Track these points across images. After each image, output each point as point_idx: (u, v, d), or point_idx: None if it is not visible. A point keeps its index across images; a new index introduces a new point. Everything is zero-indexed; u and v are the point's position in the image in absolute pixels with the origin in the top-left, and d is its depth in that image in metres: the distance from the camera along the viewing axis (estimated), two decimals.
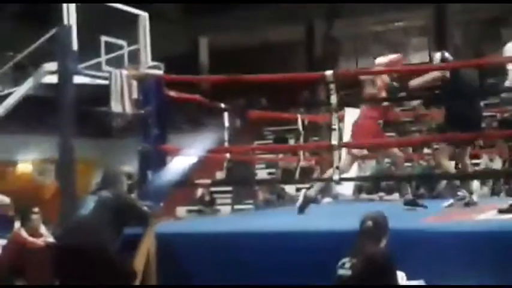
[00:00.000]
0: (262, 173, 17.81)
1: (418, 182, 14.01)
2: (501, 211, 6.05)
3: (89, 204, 5.09)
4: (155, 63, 6.87)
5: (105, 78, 6.71)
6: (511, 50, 6.16)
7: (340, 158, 5.65)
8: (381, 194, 12.80)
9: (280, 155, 14.55)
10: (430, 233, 4.69)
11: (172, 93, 6.79)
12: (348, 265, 4.15)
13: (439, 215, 5.93)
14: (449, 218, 5.75)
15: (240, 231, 5.67)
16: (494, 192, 12.25)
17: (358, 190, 11.81)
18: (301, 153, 9.59)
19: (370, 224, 4.24)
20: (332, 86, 5.74)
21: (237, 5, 21.88)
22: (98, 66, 7.83)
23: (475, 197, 6.57)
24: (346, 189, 10.08)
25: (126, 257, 5.10)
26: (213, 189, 16.01)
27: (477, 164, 13.47)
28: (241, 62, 23.31)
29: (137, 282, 5.08)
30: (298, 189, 15.74)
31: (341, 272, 4.15)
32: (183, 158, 6.90)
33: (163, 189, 6.23)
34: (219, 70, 17.69)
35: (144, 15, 8.24)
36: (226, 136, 8.17)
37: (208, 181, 7.98)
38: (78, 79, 7.27)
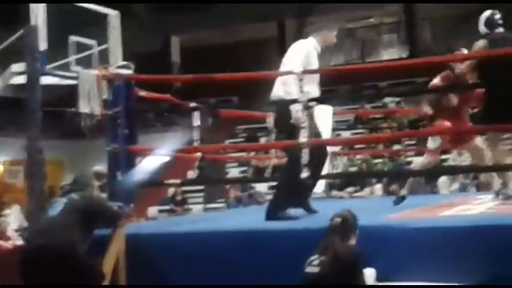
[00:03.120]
0: (234, 172, 17.83)
1: (390, 179, 14.14)
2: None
3: (58, 206, 5.08)
4: (125, 62, 6.83)
5: (74, 79, 6.66)
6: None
7: (310, 156, 5.66)
8: (350, 190, 12.92)
9: (252, 154, 14.59)
10: (397, 229, 4.73)
11: (142, 93, 6.77)
12: (316, 262, 4.17)
13: (407, 212, 5.97)
14: (415, 215, 5.80)
15: (211, 231, 5.67)
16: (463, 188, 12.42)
17: (329, 187, 11.88)
18: (272, 151, 9.60)
19: (338, 221, 4.27)
20: (302, 83, 5.76)
21: (209, 4, 21.85)
22: (67, 66, 7.76)
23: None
24: (317, 186, 10.10)
25: (95, 258, 5.08)
26: (184, 188, 15.99)
27: (445, 160, 13.62)
28: (214, 60, 23.31)
29: (106, 283, 5.06)
30: (270, 188, 15.82)
31: (309, 269, 4.17)
32: (154, 158, 6.89)
33: (133, 190, 6.21)
34: (191, 69, 17.69)
35: (114, 15, 8.17)
36: (197, 135, 8.16)
37: (179, 181, 7.94)
38: (46, 79, 7.21)
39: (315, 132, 6.09)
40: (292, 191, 5.97)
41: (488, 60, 5.93)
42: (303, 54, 6.07)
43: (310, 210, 6.24)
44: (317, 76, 6.24)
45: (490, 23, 6.22)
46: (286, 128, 5.92)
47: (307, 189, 6.36)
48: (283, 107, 5.89)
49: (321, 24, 6.47)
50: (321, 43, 6.28)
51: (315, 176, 6.14)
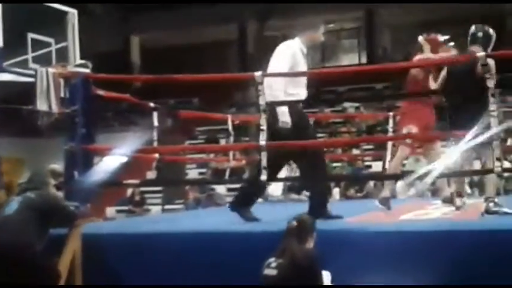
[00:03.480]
0: (193, 173, 17.78)
1: (348, 182, 14.27)
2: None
3: (13, 205, 5.01)
4: (83, 61, 6.77)
5: (32, 76, 6.58)
6: None
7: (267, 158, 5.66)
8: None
9: (212, 155, 14.57)
10: (353, 233, 4.77)
11: (100, 92, 6.72)
12: (273, 265, 4.19)
13: (362, 216, 6.02)
14: (372, 219, 5.85)
15: (169, 232, 5.64)
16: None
17: (288, 190, 11.90)
18: (231, 153, 9.61)
19: (295, 224, 4.29)
20: (261, 86, 5.76)
21: (170, 4, 21.77)
22: (24, 64, 7.66)
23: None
24: (276, 189, 10.16)
25: (51, 258, 5.02)
26: (143, 189, 15.90)
27: (403, 165, 13.77)
28: (174, 61, 23.23)
29: (61, 283, 5.00)
30: (229, 189, 15.82)
31: (267, 271, 4.19)
32: (112, 158, 6.83)
33: (90, 189, 6.16)
34: (151, 69, 17.61)
35: (73, 13, 8.10)
36: (156, 136, 8.13)
37: (137, 181, 7.90)
38: (3, 76, 7.11)
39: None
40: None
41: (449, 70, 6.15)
42: (288, 55, 6.01)
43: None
44: (304, 78, 6.17)
45: (471, 38, 6.31)
46: (277, 131, 5.82)
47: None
48: (271, 111, 5.78)
49: (305, 23, 6.40)
50: (306, 43, 6.20)
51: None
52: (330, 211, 5.86)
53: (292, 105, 5.90)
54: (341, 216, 5.80)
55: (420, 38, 6.77)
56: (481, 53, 5.45)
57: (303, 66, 6.11)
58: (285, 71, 5.94)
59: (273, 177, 6.03)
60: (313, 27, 6.29)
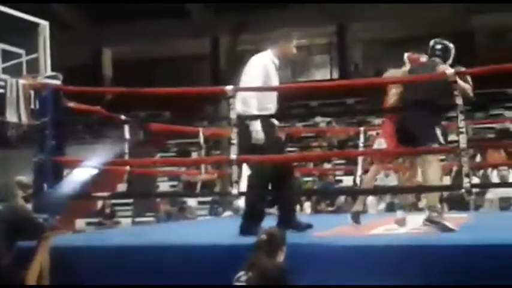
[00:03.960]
0: (164, 186, 17.73)
1: (319, 197, 14.32)
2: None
3: None
4: (53, 73, 6.74)
5: (1, 87, 6.54)
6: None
7: (238, 172, 5.68)
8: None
9: (183, 168, 14.54)
10: (322, 247, 4.79)
11: (71, 104, 6.69)
12: (243, 278, 4.17)
13: (331, 230, 6.04)
14: (341, 233, 5.87)
15: (139, 245, 5.61)
16: (390, 208, 12.65)
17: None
18: (202, 167, 9.60)
19: (264, 237, 4.29)
20: (232, 100, 5.77)
21: (142, 17, 21.74)
22: None
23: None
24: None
25: (19, 270, 4.96)
26: (114, 201, 15.81)
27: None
28: (146, 74, 23.19)
29: None
30: (200, 203, 15.80)
31: (237, 285, 4.18)
32: (82, 170, 6.80)
33: (59, 202, 6.11)
34: (123, 82, 17.56)
35: (44, 24, 8.07)
36: (126, 148, 8.10)
37: (107, 194, 7.86)
38: None
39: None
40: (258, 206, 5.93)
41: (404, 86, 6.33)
42: (260, 67, 5.96)
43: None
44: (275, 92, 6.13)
45: (430, 51, 6.39)
46: (248, 147, 5.79)
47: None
48: (243, 125, 5.75)
49: (277, 36, 6.36)
50: (279, 55, 6.14)
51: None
52: (299, 221, 5.92)
53: (264, 119, 5.90)
54: (311, 225, 5.86)
55: (405, 55, 6.84)
56: (450, 71, 5.51)
57: (275, 79, 6.07)
58: (258, 85, 5.91)
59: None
60: (284, 38, 6.23)
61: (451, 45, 6.35)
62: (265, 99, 5.97)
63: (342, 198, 14.15)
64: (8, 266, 4.73)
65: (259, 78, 5.92)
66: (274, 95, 6.11)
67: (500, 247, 4.47)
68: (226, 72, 21.13)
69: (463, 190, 5.31)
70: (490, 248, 4.48)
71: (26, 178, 5.88)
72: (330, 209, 14.09)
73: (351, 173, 12.06)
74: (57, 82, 6.48)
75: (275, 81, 6.08)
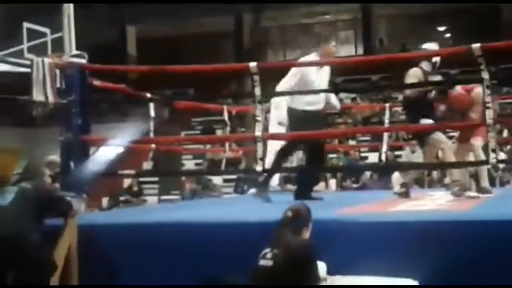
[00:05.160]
0: (189, 164, 17.79)
1: (344, 173, 14.28)
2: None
3: (8, 195, 4.99)
4: (79, 52, 6.76)
5: (27, 66, 6.57)
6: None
7: (264, 149, 5.69)
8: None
9: (208, 146, 14.57)
10: (347, 224, 4.78)
11: (96, 83, 6.72)
12: (269, 255, 4.18)
13: (359, 207, 6.03)
14: (366, 210, 5.86)
15: (165, 222, 5.64)
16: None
17: (284, 181, 11.90)
18: (226, 144, 9.62)
19: (290, 214, 4.29)
20: (256, 77, 5.77)
21: None
22: (20, 54, 7.65)
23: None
24: (272, 180, 10.13)
25: (47, 249, 5.02)
26: (140, 179, 15.91)
27: (399, 156, 13.81)
28: (170, 51, 23.20)
29: (58, 275, 5.01)
30: (225, 180, 15.84)
31: (262, 262, 4.18)
32: (108, 149, 6.84)
33: (86, 180, 6.16)
34: (147, 60, 17.58)
35: (68, 3, 8.09)
36: (152, 126, 8.14)
37: (133, 172, 7.91)
38: None
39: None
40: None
41: None
42: (298, 74, 6.63)
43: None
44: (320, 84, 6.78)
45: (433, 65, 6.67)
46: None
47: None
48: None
49: (317, 40, 7.23)
50: (322, 57, 6.79)
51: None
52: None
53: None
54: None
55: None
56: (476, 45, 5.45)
57: (316, 78, 6.72)
58: (292, 82, 6.64)
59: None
60: (324, 40, 6.94)
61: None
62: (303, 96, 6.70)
63: (367, 174, 14.12)
64: (36, 245, 4.78)
65: (295, 76, 6.63)
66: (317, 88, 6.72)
67: None
68: (249, 50, 21.12)
69: (489, 165, 5.30)
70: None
71: (56, 157, 5.93)
72: (355, 185, 14.07)
73: (376, 149, 12.02)
74: (83, 61, 6.50)
75: (316, 81, 6.74)
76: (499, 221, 4.56)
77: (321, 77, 6.82)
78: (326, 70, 6.92)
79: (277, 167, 6.89)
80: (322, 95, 6.90)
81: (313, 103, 6.80)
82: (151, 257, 5.16)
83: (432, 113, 6.73)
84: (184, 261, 5.04)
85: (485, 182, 7.07)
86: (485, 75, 5.28)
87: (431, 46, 6.83)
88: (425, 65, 6.68)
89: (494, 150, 5.31)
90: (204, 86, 16.84)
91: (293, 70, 6.68)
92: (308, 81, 6.68)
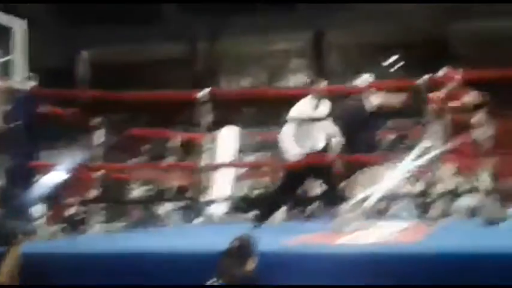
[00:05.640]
0: (137, 191, 17.59)
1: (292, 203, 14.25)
2: None
3: None
4: (28, 75, 6.69)
5: None
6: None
7: (210, 178, 5.69)
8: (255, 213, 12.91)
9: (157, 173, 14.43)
10: (291, 255, 4.81)
11: (45, 108, 6.65)
12: (215, 285, 4.17)
13: (304, 237, 6.05)
14: (308, 240, 5.87)
15: (109, 252, 5.57)
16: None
17: (234, 209, 11.88)
18: (175, 172, 9.58)
19: (236, 244, 4.29)
20: (207, 105, 5.78)
21: (121, 20, 21.67)
22: None
23: None
24: (220, 208, 10.11)
25: None
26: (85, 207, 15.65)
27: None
28: (123, 77, 23.07)
29: None
30: (173, 209, 15.68)
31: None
32: (54, 175, 6.75)
33: (31, 207, 6.07)
34: (101, 85, 17.43)
35: (20, 26, 8.02)
36: (101, 153, 8.07)
37: (79, 199, 7.82)
38: None
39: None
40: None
41: None
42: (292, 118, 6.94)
43: None
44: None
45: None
46: None
47: None
48: None
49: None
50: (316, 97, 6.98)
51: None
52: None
53: None
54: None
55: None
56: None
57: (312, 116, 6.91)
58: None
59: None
60: (314, 83, 7.14)
61: None
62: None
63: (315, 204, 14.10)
64: None
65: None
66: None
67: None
68: (204, 77, 21.16)
69: None
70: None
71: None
72: (304, 215, 14.04)
73: None
74: (32, 84, 6.43)
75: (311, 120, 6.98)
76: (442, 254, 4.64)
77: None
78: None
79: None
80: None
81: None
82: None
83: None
84: None
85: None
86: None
87: (366, 79, 7.00)
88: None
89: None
90: (156, 113, 16.78)
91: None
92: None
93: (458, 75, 6.45)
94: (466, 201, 12.87)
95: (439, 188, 5.99)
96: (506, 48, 19.34)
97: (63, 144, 17.04)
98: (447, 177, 6.84)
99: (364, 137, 6.92)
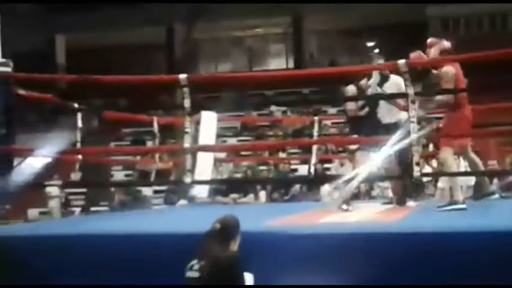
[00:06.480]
0: (119, 175, 17.59)
1: (274, 185, 14.34)
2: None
3: None
4: (3, 60, 6.61)
5: None
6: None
7: (193, 161, 5.68)
8: (235, 196, 13.01)
9: (138, 157, 14.42)
10: (273, 236, 4.82)
11: (22, 92, 6.59)
12: (196, 267, 4.17)
13: (286, 219, 6.07)
14: (293, 222, 5.90)
15: (86, 234, 5.54)
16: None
17: (214, 192, 11.90)
18: (156, 155, 9.54)
19: (218, 226, 4.29)
20: (186, 89, 5.76)
21: (97, 4, 21.50)
22: None
23: None
24: (202, 191, 10.12)
25: None
26: (68, 191, 15.64)
27: (328, 169, 13.97)
28: (100, 62, 22.92)
29: None
30: (155, 192, 15.71)
31: (189, 274, 4.17)
32: (33, 159, 6.71)
33: (9, 191, 6.03)
34: (77, 70, 17.32)
35: None
36: (79, 137, 8.01)
37: (59, 182, 7.77)
38: None
39: None
40: None
41: None
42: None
43: None
44: None
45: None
46: None
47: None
48: None
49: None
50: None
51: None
52: None
53: None
54: None
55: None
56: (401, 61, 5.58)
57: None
58: None
59: None
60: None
61: None
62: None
63: (297, 187, 14.21)
64: None
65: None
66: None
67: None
68: (181, 61, 21.06)
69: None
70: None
71: None
72: (285, 197, 14.14)
73: (306, 162, 12.13)
74: (7, 69, 6.36)
75: None
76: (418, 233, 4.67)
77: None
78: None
79: None
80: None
81: None
82: (73, 269, 5.07)
83: (372, 129, 6.72)
84: (111, 273, 4.97)
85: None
86: (410, 90, 5.42)
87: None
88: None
89: (418, 164, 5.43)
90: (135, 97, 16.70)
91: None
92: None
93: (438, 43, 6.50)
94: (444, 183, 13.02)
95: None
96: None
97: (42, 129, 16.98)
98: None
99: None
